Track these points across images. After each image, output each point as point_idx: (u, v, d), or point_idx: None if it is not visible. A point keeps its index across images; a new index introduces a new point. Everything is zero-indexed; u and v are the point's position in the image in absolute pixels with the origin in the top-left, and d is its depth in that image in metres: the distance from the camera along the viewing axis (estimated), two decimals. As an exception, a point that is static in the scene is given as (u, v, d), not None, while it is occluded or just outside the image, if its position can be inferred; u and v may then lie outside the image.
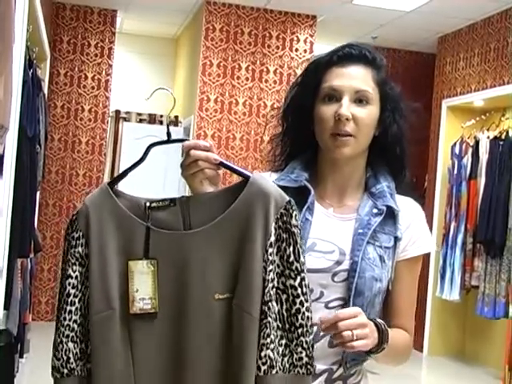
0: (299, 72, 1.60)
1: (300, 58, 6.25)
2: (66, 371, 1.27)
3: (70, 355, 1.27)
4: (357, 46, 1.50)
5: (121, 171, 1.42)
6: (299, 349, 1.27)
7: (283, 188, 1.46)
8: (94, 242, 1.28)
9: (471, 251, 5.61)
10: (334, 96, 1.46)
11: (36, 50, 4.21)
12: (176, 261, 1.28)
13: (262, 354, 1.25)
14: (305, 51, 6.26)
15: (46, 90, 5.21)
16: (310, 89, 1.49)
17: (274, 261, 1.27)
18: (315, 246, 1.46)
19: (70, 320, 1.28)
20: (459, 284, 5.64)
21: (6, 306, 3.24)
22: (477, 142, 5.67)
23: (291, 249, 1.28)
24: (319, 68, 1.50)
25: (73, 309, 1.28)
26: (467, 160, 5.74)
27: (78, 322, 1.28)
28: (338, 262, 1.44)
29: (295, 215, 1.30)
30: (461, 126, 5.97)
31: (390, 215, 1.48)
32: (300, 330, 1.28)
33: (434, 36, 6.55)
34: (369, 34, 6.68)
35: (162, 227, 1.29)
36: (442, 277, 5.80)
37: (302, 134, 1.53)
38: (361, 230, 1.46)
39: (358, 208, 1.51)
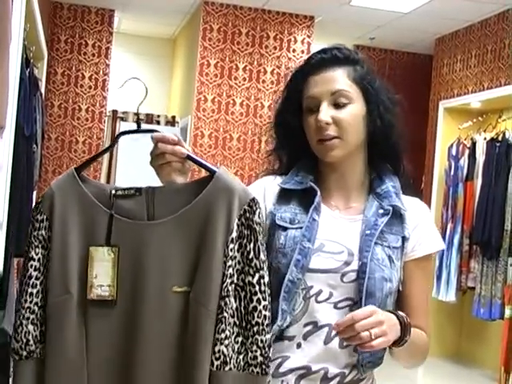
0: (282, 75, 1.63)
1: (297, 59, 6.25)
2: (24, 353, 1.28)
3: (30, 337, 1.27)
4: (328, 50, 1.52)
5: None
6: (254, 347, 1.27)
7: (289, 191, 1.50)
8: (56, 226, 1.28)
9: (467, 252, 5.61)
10: (315, 104, 1.48)
11: (33, 49, 4.20)
12: (136, 250, 1.28)
13: (216, 348, 1.25)
14: (302, 52, 6.26)
15: (43, 90, 5.20)
16: (294, 101, 1.52)
17: (235, 257, 1.28)
18: (323, 246, 1.46)
19: (30, 302, 1.28)
20: (455, 285, 5.64)
21: (2, 306, 3.23)
22: (473, 144, 5.68)
23: (251, 245, 1.29)
24: (297, 80, 1.53)
25: (34, 291, 1.28)
26: (464, 161, 5.75)
27: (39, 304, 1.28)
28: (347, 263, 1.44)
29: (258, 213, 1.31)
30: (458, 128, 5.98)
31: (397, 215, 1.49)
32: (256, 329, 1.28)
33: (431, 37, 6.56)
34: (366, 35, 6.69)
35: (125, 216, 1.29)
36: (439, 278, 5.80)
37: (297, 144, 1.55)
38: (368, 231, 1.46)
39: (364, 209, 1.51)
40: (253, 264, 1.29)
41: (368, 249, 1.43)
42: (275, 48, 6.23)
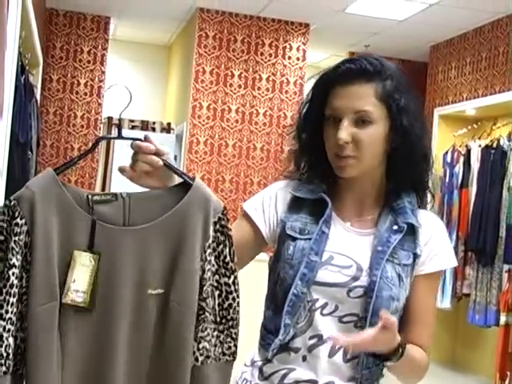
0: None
1: (293, 66, 6.27)
2: (3, 369, 1.20)
3: (10, 351, 1.20)
4: (358, 61, 1.44)
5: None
6: (228, 339, 1.34)
7: (301, 199, 1.48)
8: (38, 231, 1.22)
9: (463, 259, 5.61)
10: (336, 117, 1.42)
11: (29, 56, 4.20)
12: (113, 255, 1.27)
13: (200, 345, 1.30)
14: (297, 59, 6.28)
15: (38, 96, 5.20)
16: (318, 108, 1.47)
17: (211, 260, 1.32)
18: (332, 259, 1.43)
19: (11, 313, 1.21)
20: (450, 292, 5.65)
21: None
22: (468, 151, 5.69)
23: (227, 250, 1.33)
24: (322, 87, 1.47)
25: (14, 301, 1.21)
26: (459, 168, 5.76)
27: (17, 315, 1.22)
28: (355, 278, 1.42)
29: (228, 220, 1.36)
30: (452, 135, 5.99)
31: (410, 231, 1.45)
32: (231, 323, 1.34)
33: (426, 45, 6.59)
34: (361, 43, 6.71)
35: (102, 221, 1.27)
36: (434, 285, 5.80)
37: (315, 151, 1.50)
38: (380, 248, 1.42)
39: (376, 222, 1.47)
40: (229, 267, 1.33)
41: (378, 266, 1.40)
42: (270, 55, 6.25)
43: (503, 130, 5.50)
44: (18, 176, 3.54)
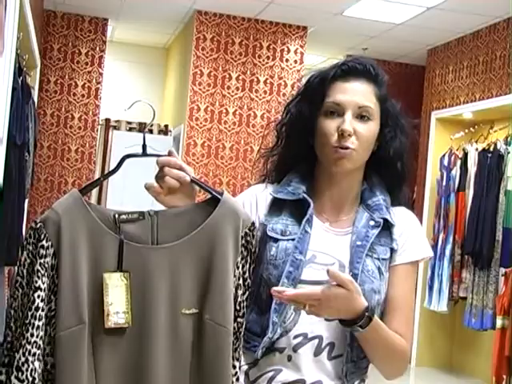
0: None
1: (290, 69, 6.27)
2: None
3: (36, 375, 1.18)
4: (362, 61, 1.51)
5: (92, 180, 1.40)
6: (236, 354, 1.32)
7: (281, 201, 1.50)
8: (65, 253, 1.21)
9: (459, 263, 5.62)
10: (337, 110, 1.46)
11: (26, 57, 4.20)
12: (143, 275, 1.25)
13: (237, 364, 1.29)
14: (295, 62, 6.29)
15: (35, 98, 5.20)
16: (314, 102, 1.49)
17: (240, 276, 1.30)
18: (315, 258, 1.46)
19: (37, 336, 1.19)
20: (447, 295, 5.65)
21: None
22: (465, 154, 5.70)
23: (247, 266, 1.32)
24: (322, 82, 1.49)
25: (40, 324, 1.19)
26: (456, 172, 5.77)
27: (43, 338, 1.20)
28: None
29: (255, 236, 1.35)
30: (450, 138, 6.00)
31: (386, 227, 1.49)
32: (239, 342, 1.33)
33: (423, 48, 6.60)
34: (359, 46, 6.72)
35: (130, 240, 1.26)
36: (430, 288, 5.81)
37: (299, 147, 1.53)
38: (359, 242, 1.46)
39: (354, 220, 1.51)
40: (246, 283, 1.32)
41: (359, 260, 1.44)
42: (268, 58, 6.25)
43: (500, 133, 5.51)
44: (15, 178, 3.53)
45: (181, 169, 1.35)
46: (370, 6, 5.49)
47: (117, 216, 1.27)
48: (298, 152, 1.54)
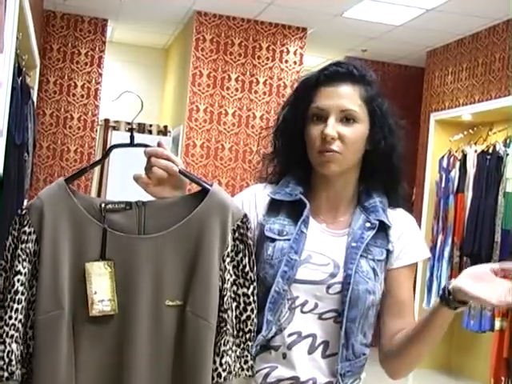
0: (289, 84, 1.64)
1: (290, 70, 6.27)
2: (6, 374, 1.21)
3: (13, 357, 1.21)
4: (344, 64, 1.53)
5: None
6: (245, 353, 1.31)
7: (279, 201, 1.52)
8: (46, 240, 1.23)
9: (458, 264, 5.62)
10: (322, 115, 1.49)
11: (25, 57, 4.20)
12: (128, 264, 1.26)
13: (223, 360, 1.26)
14: (295, 63, 6.29)
15: (35, 98, 5.19)
16: (300, 109, 1.52)
17: (229, 270, 1.29)
18: (311, 258, 1.48)
19: (16, 319, 1.22)
20: (446, 297, 5.64)
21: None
22: (464, 156, 5.71)
23: (247, 260, 1.31)
24: (308, 88, 1.53)
25: (19, 307, 1.22)
26: (455, 173, 5.77)
27: (23, 321, 1.22)
28: (333, 275, 1.46)
29: (250, 228, 1.34)
30: (449, 140, 6.01)
31: (382, 229, 1.51)
32: (248, 335, 1.31)
33: (422, 50, 6.60)
34: (358, 47, 6.72)
35: (116, 229, 1.27)
36: (429, 289, 5.81)
37: (294, 153, 1.56)
38: (354, 244, 1.48)
39: (350, 222, 1.53)
40: (248, 277, 1.31)
41: (353, 261, 1.45)
42: (268, 59, 6.25)
43: (499, 135, 5.51)
44: (14, 178, 3.53)
45: (168, 159, 1.35)
46: (370, 8, 5.50)
47: (103, 205, 1.27)
48: (293, 156, 1.57)
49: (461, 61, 6.09)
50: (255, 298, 1.32)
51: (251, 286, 1.31)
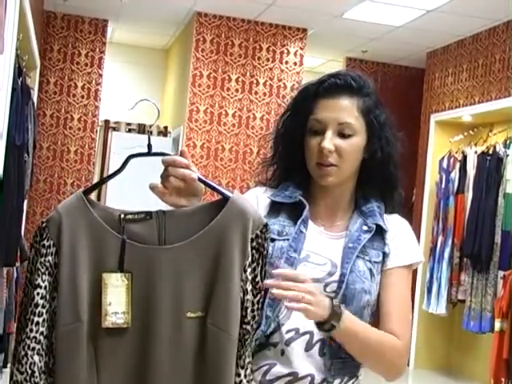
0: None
1: (290, 71, 6.28)
2: None
3: (35, 369, 1.22)
4: (342, 76, 1.54)
5: (97, 181, 1.39)
6: (247, 360, 1.29)
7: (279, 204, 1.55)
8: (64, 252, 1.23)
9: (458, 265, 5.62)
10: (319, 128, 1.51)
11: (26, 58, 4.20)
12: (148, 275, 1.24)
13: (247, 372, 1.26)
14: (295, 64, 6.29)
15: (35, 99, 5.20)
16: (299, 120, 1.55)
17: (250, 280, 1.27)
18: (309, 257, 1.51)
19: (36, 332, 1.22)
20: (446, 298, 5.65)
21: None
22: (464, 157, 5.71)
23: (259, 269, 1.29)
24: (307, 99, 1.55)
25: (40, 320, 1.23)
26: (455, 174, 5.77)
27: (45, 334, 1.23)
28: (330, 273, 1.49)
29: (268, 238, 1.32)
30: (449, 141, 6.01)
31: (379, 232, 1.54)
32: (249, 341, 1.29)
33: (423, 51, 6.60)
34: (359, 48, 6.72)
35: (135, 240, 1.25)
36: (429, 290, 5.81)
37: (293, 160, 1.59)
38: (351, 244, 1.51)
39: (348, 225, 1.56)
40: (257, 286, 1.29)
41: (349, 260, 1.48)
42: (268, 60, 6.25)
43: (499, 136, 5.51)
44: (14, 178, 3.53)
45: (187, 168, 1.34)
46: (370, 9, 5.50)
47: (122, 216, 1.26)
48: (292, 163, 1.60)
49: (461, 62, 6.09)
50: (259, 306, 1.31)
51: (258, 295, 1.29)
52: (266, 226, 1.31)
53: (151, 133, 6.63)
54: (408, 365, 6.13)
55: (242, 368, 1.25)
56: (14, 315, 4.35)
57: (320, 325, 1.37)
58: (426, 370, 6.08)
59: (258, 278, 1.29)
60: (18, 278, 4.62)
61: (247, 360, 1.25)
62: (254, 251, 1.28)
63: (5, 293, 3.75)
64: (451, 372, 6.06)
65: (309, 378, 1.45)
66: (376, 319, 1.54)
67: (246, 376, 1.25)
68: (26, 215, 5.84)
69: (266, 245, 1.30)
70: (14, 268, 4.20)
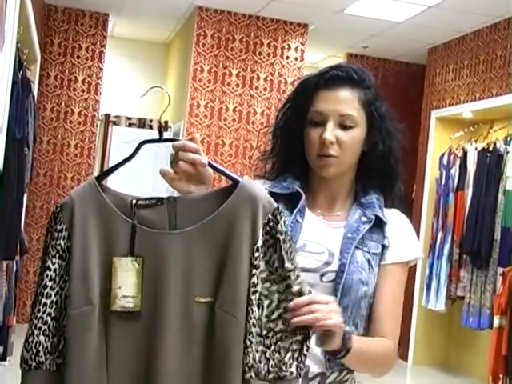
0: (290, 80, 1.65)
1: (291, 66, 6.27)
2: (34, 364, 1.25)
3: (40, 348, 1.25)
4: (344, 68, 1.55)
5: (110, 166, 1.40)
6: (276, 355, 1.25)
7: (276, 194, 1.53)
8: (76, 236, 1.25)
9: (457, 262, 5.63)
10: (320, 119, 1.51)
11: (26, 51, 4.20)
12: (158, 260, 1.26)
13: (246, 361, 1.23)
14: (296, 59, 6.28)
15: (35, 92, 5.19)
16: (299, 112, 1.55)
17: (259, 266, 1.26)
18: (306, 246, 1.51)
19: (43, 313, 1.26)
20: (445, 294, 5.66)
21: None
22: (465, 154, 5.70)
23: (276, 256, 1.27)
24: (307, 91, 1.55)
25: (48, 301, 1.26)
26: (455, 171, 5.77)
27: (53, 315, 1.26)
28: (327, 263, 1.49)
29: (283, 221, 1.29)
30: (449, 137, 6.00)
31: (378, 225, 1.54)
32: (279, 335, 1.26)
33: (424, 47, 6.59)
34: (360, 44, 6.72)
35: (146, 225, 1.27)
36: (428, 287, 5.81)
37: (292, 152, 1.59)
38: (350, 235, 1.51)
39: (347, 216, 1.56)
40: (277, 273, 1.27)
41: (348, 251, 1.48)
42: (269, 55, 6.25)
43: (500, 133, 5.51)
44: (13, 172, 3.53)
45: (197, 152, 1.33)
46: (371, 4, 5.49)
47: (134, 201, 1.28)
48: (292, 155, 1.60)
49: (462, 58, 6.09)
50: (290, 296, 1.27)
51: (284, 282, 1.26)
52: (277, 209, 1.29)
53: (151, 127, 6.59)
54: (407, 361, 6.14)
55: (246, 352, 1.23)
56: (13, 309, 4.36)
57: (333, 352, 1.36)
58: (425, 366, 6.09)
59: (276, 265, 1.26)
60: (17, 272, 4.63)
61: (247, 344, 1.23)
62: (267, 236, 1.27)
63: (4, 286, 3.75)
64: (450, 368, 6.07)
65: (304, 370, 1.45)
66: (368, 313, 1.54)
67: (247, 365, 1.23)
68: (26, 209, 5.85)
69: (280, 228, 1.27)
70: (14, 261, 4.21)
